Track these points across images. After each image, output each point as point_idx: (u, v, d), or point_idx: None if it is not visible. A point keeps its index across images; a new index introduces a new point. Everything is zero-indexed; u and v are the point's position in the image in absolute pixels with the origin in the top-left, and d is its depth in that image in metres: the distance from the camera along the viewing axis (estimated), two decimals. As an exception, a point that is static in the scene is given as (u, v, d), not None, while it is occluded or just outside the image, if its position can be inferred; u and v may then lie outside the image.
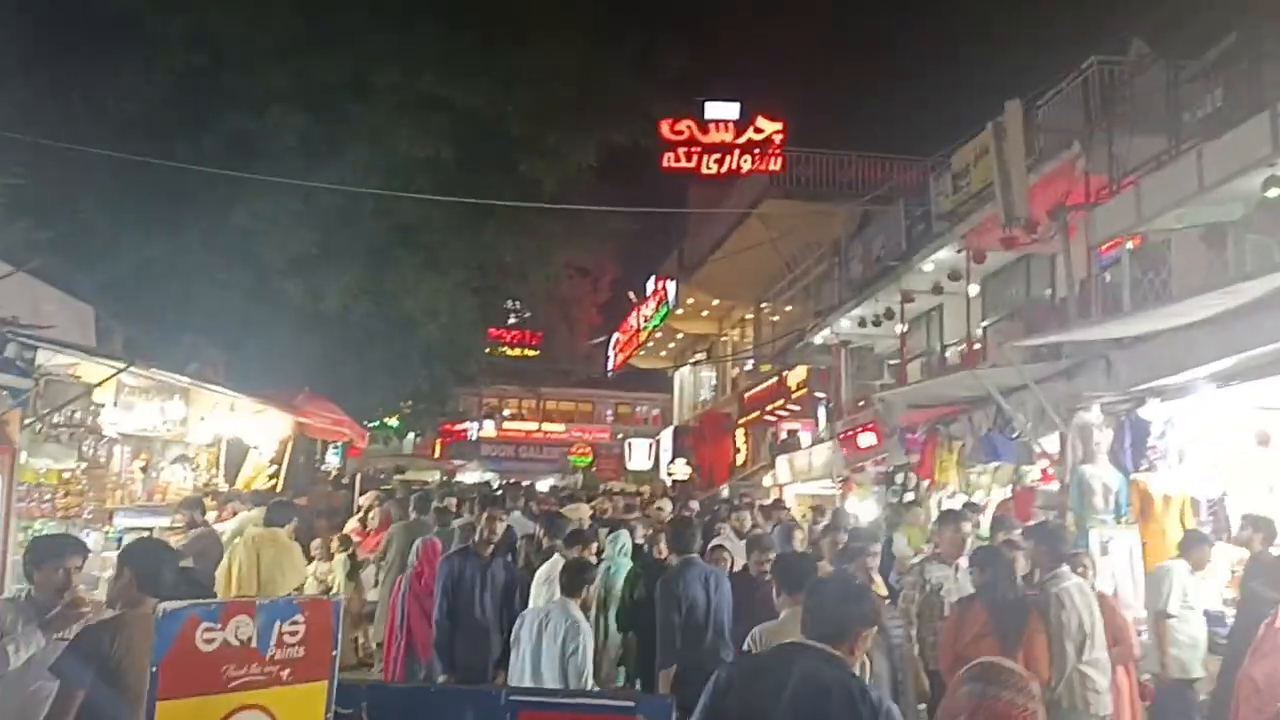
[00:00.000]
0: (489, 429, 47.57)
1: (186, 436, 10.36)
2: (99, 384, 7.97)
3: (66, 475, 8.30)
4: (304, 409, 11.56)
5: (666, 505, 10.18)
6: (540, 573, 7.17)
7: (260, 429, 11.45)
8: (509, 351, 39.78)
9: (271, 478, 11.78)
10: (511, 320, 41.46)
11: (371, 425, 26.53)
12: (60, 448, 8.13)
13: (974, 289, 15.26)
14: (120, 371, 7.99)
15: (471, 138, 16.25)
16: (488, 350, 32.02)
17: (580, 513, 9.02)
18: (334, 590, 9.59)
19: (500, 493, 16.63)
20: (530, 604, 6.78)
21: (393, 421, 35.05)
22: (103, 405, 8.49)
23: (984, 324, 16.22)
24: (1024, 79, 13.75)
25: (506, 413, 49.03)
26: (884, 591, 7.11)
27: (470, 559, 6.85)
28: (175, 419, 9.67)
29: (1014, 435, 9.54)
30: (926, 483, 11.51)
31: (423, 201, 16.49)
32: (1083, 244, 11.85)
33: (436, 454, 47.18)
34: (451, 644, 6.62)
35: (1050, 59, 14.14)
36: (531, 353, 42.39)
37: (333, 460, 35.77)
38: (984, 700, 2.69)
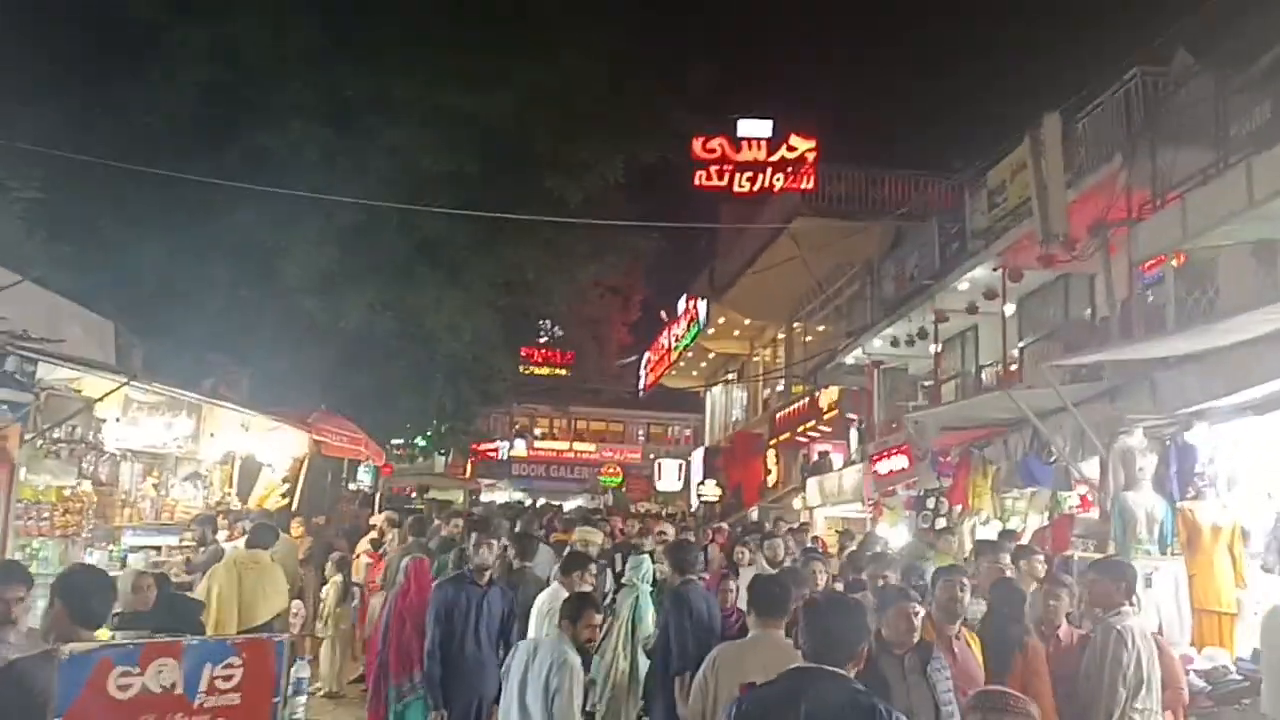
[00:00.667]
0: (520, 448, 47.34)
1: (197, 454, 10.12)
2: (100, 399, 7.74)
3: (66, 493, 8.05)
4: (319, 426, 11.29)
5: (669, 530, 9.75)
6: (539, 601, 6.70)
7: (274, 446, 11.20)
8: (538, 370, 39.51)
9: (284, 496, 11.51)
10: (543, 339, 41.25)
11: (398, 443, 26.41)
12: (60, 464, 7.91)
13: (1010, 309, 14.78)
14: (122, 386, 7.76)
15: (495, 152, 16.01)
16: (519, 369, 31.83)
17: (589, 536, 8.53)
18: (325, 614, 9.27)
19: (528, 513, 16.25)
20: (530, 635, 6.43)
21: (420, 441, 35.02)
22: (104, 421, 8.24)
23: (1020, 345, 15.73)
24: (1062, 93, 13.29)
25: (538, 432, 48.81)
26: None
27: (464, 586, 6.41)
28: (184, 435, 9.41)
29: (1051, 460, 9.07)
30: (959, 508, 11.03)
31: (445, 217, 16.26)
32: (1124, 262, 11.36)
33: (468, 473, 47.07)
34: (444, 678, 6.17)
35: (1089, 72, 13.74)
36: (562, 372, 42.13)
37: (365, 479, 35.74)
38: None
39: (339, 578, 9.87)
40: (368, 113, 15.24)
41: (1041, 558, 6.46)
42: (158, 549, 8.47)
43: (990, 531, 9.98)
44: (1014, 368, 15.36)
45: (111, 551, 8.47)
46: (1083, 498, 9.50)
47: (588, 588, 6.42)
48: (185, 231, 14.78)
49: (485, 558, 6.41)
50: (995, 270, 14.21)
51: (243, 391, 16.23)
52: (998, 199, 14.04)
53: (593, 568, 6.84)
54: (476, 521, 6.99)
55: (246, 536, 8.29)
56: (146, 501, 9.61)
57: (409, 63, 14.85)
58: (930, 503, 11.28)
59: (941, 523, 10.87)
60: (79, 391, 7.83)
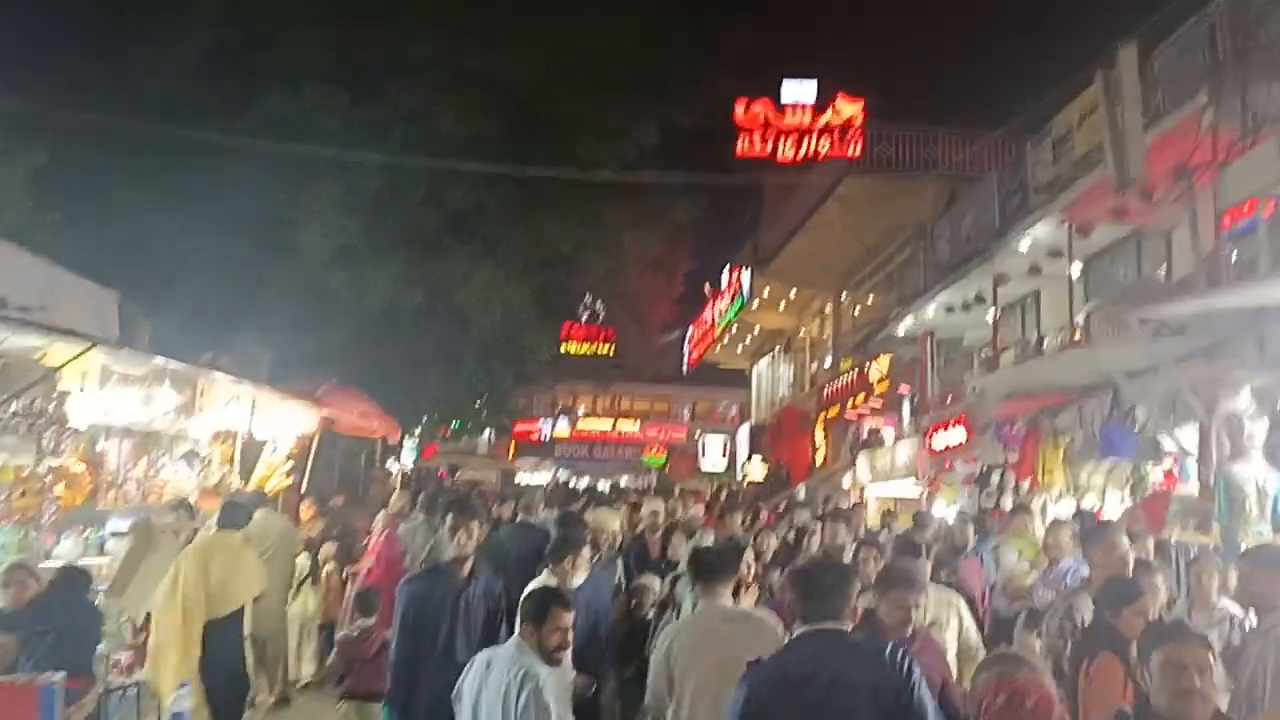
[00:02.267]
0: (562, 428, 46.69)
1: (188, 431, 9.38)
2: (60, 367, 7.00)
3: (25, 472, 7.35)
4: (327, 401, 10.54)
5: (658, 507, 8.70)
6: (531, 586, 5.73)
7: (276, 423, 10.42)
8: (578, 349, 38.69)
9: (289, 475, 10.77)
10: (584, 317, 40.46)
11: (437, 422, 25.76)
12: (16, 440, 7.17)
13: (1077, 269, 13.65)
14: (85, 351, 7.03)
15: (521, 118, 15.23)
16: (558, 348, 31.08)
17: (604, 522, 7.55)
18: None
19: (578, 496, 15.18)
20: None
21: (455, 423, 34.48)
22: (68, 393, 7.50)
23: (1087, 308, 14.58)
24: (1132, 27, 12.13)
25: (581, 411, 48.11)
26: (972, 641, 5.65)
27: (439, 581, 5.34)
28: (170, 410, 8.63)
29: (1135, 428, 8.06)
30: (1027, 483, 10.01)
31: (474, 188, 15.56)
32: (1210, 210, 10.26)
33: (511, 454, 46.60)
34: (411, 695, 5.07)
35: (1161, 3, 12.51)
36: (604, 349, 41.32)
37: (407, 460, 35.37)
38: (1003, 680, 2.82)
39: (304, 556, 9.04)
40: (385, 77, 14.51)
41: (1151, 541, 5.37)
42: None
43: (1064, 511, 8.96)
44: (1078, 337, 14.27)
45: (87, 537, 7.78)
46: (1167, 473, 8.48)
47: (580, 578, 5.54)
48: (199, 203, 14.21)
49: (463, 545, 5.29)
50: (1061, 225, 13.09)
51: (263, 370, 15.61)
52: (1063, 148, 12.93)
53: (586, 553, 5.71)
54: (454, 501, 5.83)
55: (216, 517, 7.52)
56: (133, 483, 8.92)
57: (426, 22, 14.07)
58: (994, 478, 10.25)
59: (1007, 501, 9.84)
60: (40, 360, 7.08)
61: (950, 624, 5.44)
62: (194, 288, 14.15)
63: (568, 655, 4.48)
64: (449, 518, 5.38)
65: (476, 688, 4.23)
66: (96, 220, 13.23)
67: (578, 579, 5.56)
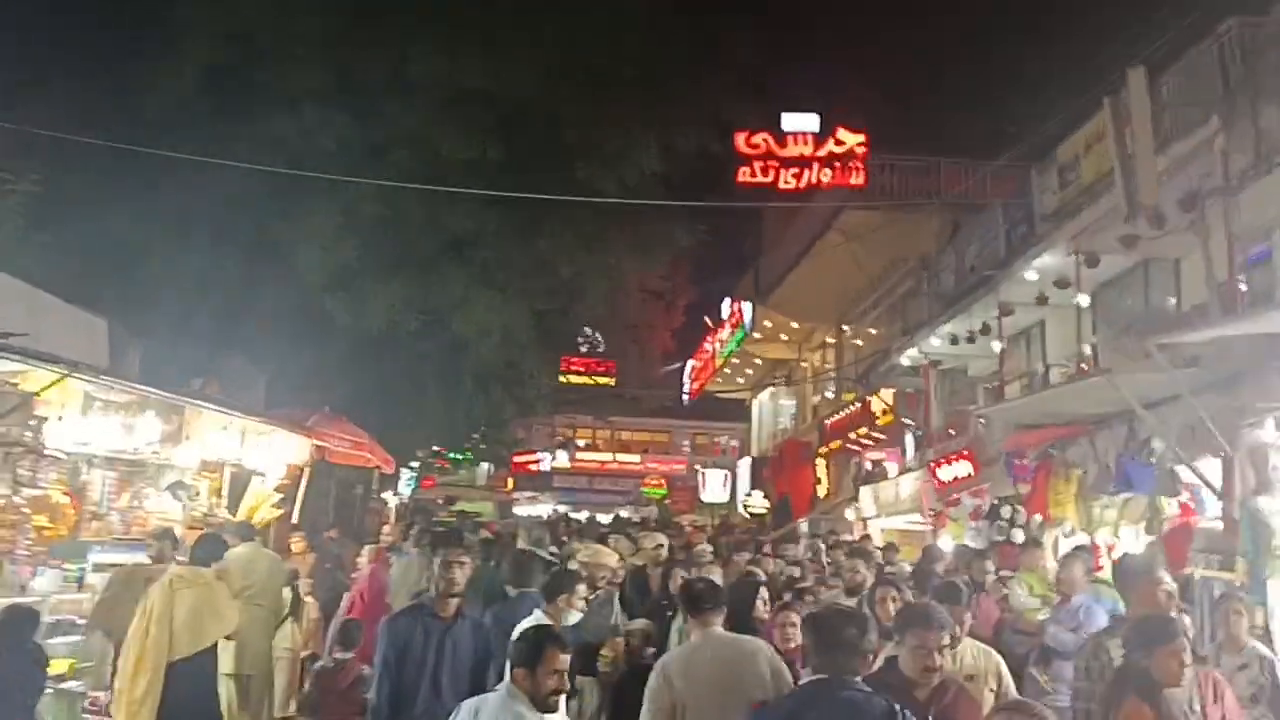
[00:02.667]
0: (562, 460, 46.34)
1: (174, 460, 9.08)
2: (38, 393, 6.74)
3: (0, 502, 7.05)
4: (320, 431, 10.25)
5: (661, 540, 8.44)
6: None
7: (266, 452, 10.13)
8: (576, 379, 38.39)
9: (278, 507, 10.45)
10: (583, 348, 40.20)
11: (436, 454, 25.42)
12: (-9, 470, 6.89)
13: (1084, 299, 13.41)
14: (61, 379, 6.76)
15: (521, 139, 15.05)
16: (558, 377, 30.82)
17: (601, 557, 7.20)
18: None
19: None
20: None
21: (455, 455, 34.11)
22: (46, 419, 7.22)
23: (1094, 340, 14.32)
24: (1140, 53, 11.96)
25: (580, 443, 47.77)
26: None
27: (421, 619, 4.97)
28: (155, 439, 8.36)
29: (1153, 460, 7.78)
30: (1039, 518, 9.71)
31: (473, 211, 15.35)
32: (1222, 238, 10.04)
33: (510, 486, 46.22)
34: None
35: (1169, 27, 12.33)
36: (605, 381, 41.09)
37: (405, 491, 34.95)
38: None
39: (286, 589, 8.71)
40: (384, 97, 14.35)
41: (1168, 580, 5.04)
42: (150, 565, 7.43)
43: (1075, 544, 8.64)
44: (1085, 366, 14.00)
45: (67, 572, 7.47)
46: (1184, 506, 8.18)
47: (576, 616, 5.27)
48: (195, 224, 14.02)
49: (454, 580, 4.95)
50: (1068, 256, 12.87)
51: (258, 395, 15.35)
52: (1069, 176, 12.75)
53: (581, 589, 5.50)
54: (440, 534, 5.48)
55: (190, 552, 7.18)
56: (116, 514, 8.61)
57: (425, 41, 13.92)
58: (1005, 512, 9.96)
59: (1018, 535, 9.53)
60: (17, 386, 6.81)
61: (989, 680, 4.96)
62: (187, 310, 13.92)
63: (562, 701, 4.15)
64: (438, 553, 5.12)
65: None
66: (89, 242, 13.02)
67: (572, 617, 5.30)
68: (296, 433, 10.03)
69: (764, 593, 5.88)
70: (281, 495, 10.46)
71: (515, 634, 4.27)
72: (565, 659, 4.04)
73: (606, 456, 47.48)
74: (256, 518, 9.88)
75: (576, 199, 14.26)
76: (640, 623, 6.39)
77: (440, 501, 26.82)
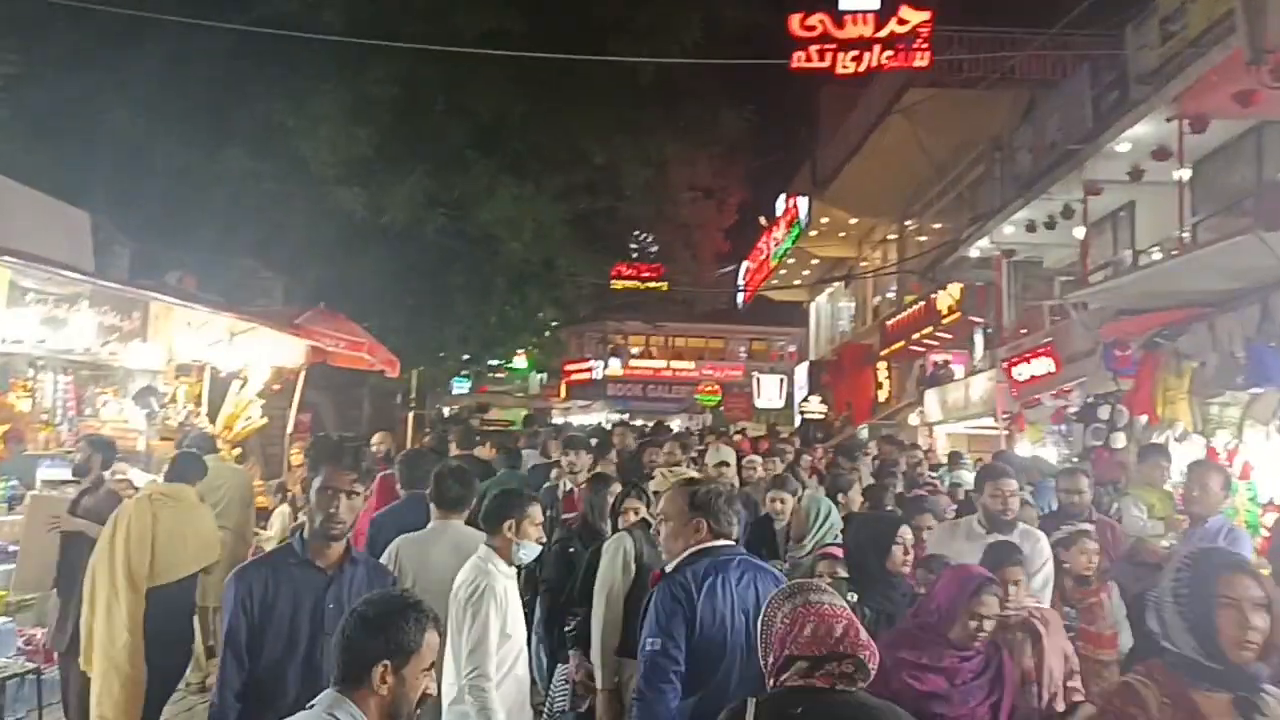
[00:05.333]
0: (615, 367, 45.35)
1: (129, 361, 8.01)
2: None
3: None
4: (310, 329, 9.12)
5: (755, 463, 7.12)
6: (459, 580, 3.99)
7: (248, 353, 9.01)
8: (627, 284, 37.03)
9: (262, 415, 9.39)
10: (634, 254, 38.79)
11: (499, 364, 24.43)
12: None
13: (1185, 173, 11.75)
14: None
15: (546, 11, 13.60)
16: (608, 284, 29.61)
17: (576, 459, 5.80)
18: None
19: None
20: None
21: (520, 363, 33.17)
22: (-55, 312, 6.16)
23: (1194, 221, 12.67)
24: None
25: (634, 350, 46.73)
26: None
27: (287, 571, 3.48)
28: (96, 336, 7.24)
29: (1292, 347, 6.37)
30: (1144, 419, 8.31)
31: (496, 94, 14.01)
32: (1367, 86, 8.41)
33: (563, 395, 45.55)
34: None
35: None
36: (656, 285, 39.75)
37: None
38: (806, 607, 2.68)
39: (285, 508, 7.76)
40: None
41: None
42: (78, 482, 6.44)
43: (1197, 452, 7.27)
44: (1174, 253, 12.40)
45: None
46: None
47: (532, 549, 4.12)
48: (193, 114, 12.86)
49: (335, 516, 3.46)
50: (1169, 121, 11.23)
51: (275, 300, 14.38)
52: (1172, 27, 11.00)
53: (534, 511, 4.14)
54: (322, 448, 3.98)
55: (166, 469, 6.20)
56: (65, 424, 7.64)
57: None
58: (1103, 412, 8.55)
59: (1119, 440, 8.13)
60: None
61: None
62: (184, 206, 12.86)
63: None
64: (319, 474, 3.57)
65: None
66: (74, 130, 11.95)
67: (526, 551, 4.15)
68: (284, 331, 8.93)
69: (906, 535, 4.42)
70: (265, 402, 9.41)
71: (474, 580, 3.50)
72: (537, 511, 4.14)
73: (660, 364, 46.39)
74: (237, 428, 8.88)
75: (604, 59, 12.83)
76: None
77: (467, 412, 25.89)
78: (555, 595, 5.62)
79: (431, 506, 4.77)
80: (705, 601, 3.51)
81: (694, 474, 5.88)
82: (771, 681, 2.71)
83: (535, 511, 4.18)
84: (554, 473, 7.41)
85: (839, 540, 5.27)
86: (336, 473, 3.46)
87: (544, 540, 4.29)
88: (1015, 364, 12.84)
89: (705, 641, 3.49)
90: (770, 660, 2.71)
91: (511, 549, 4.05)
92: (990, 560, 4.06)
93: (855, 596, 4.16)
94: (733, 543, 3.76)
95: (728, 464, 6.99)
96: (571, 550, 5.64)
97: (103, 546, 5.55)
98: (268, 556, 3.64)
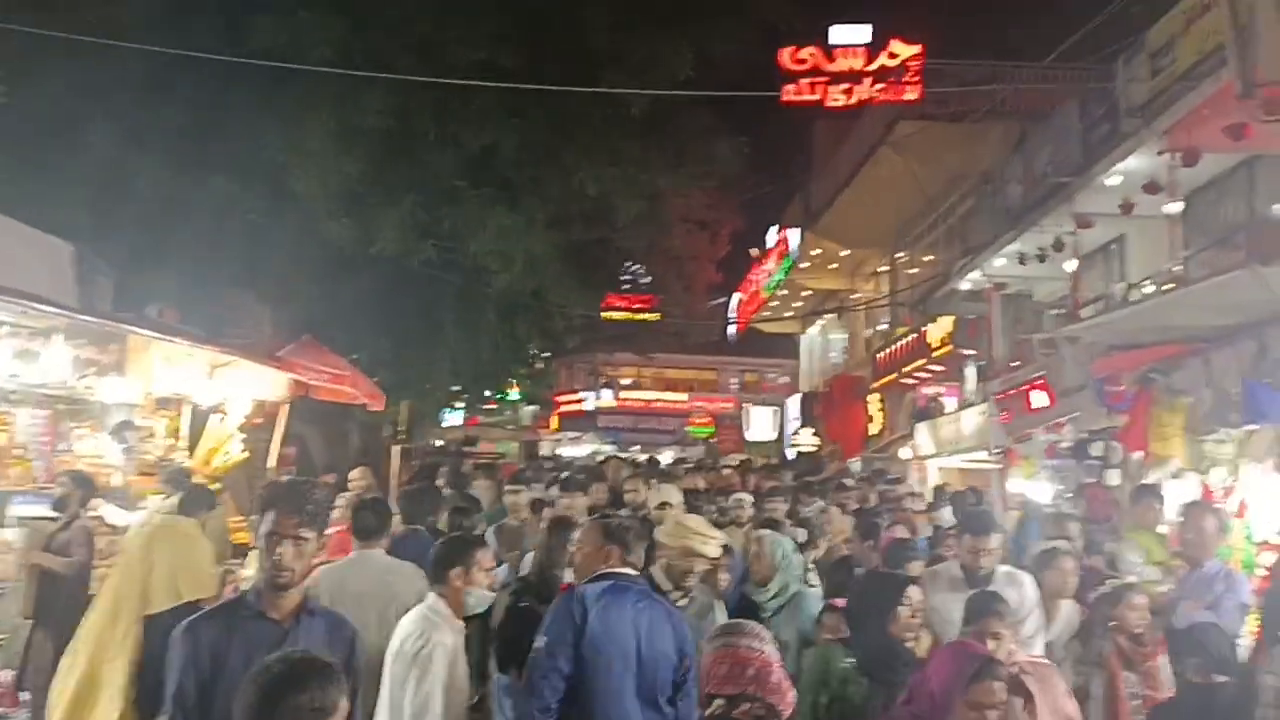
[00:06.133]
0: (607, 399, 45.25)
1: (105, 396, 7.86)
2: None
3: None
4: (293, 362, 8.98)
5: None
6: (398, 635, 3.84)
7: (228, 387, 8.84)
8: (618, 316, 37.00)
9: (244, 449, 9.23)
10: (626, 286, 38.77)
11: (497, 396, 24.19)
12: None
13: (1176, 206, 11.74)
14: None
15: (539, 44, 13.60)
16: (599, 314, 29.55)
17: (691, 542, 4.79)
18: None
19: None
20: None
21: (515, 394, 33.00)
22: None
23: (1185, 255, 12.63)
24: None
25: (625, 382, 46.64)
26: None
27: (239, 625, 3.23)
28: (82, 371, 7.11)
29: (1289, 383, 6.29)
30: (1139, 455, 8.22)
31: (489, 125, 13.97)
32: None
33: (554, 426, 45.42)
34: None
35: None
36: (648, 316, 39.75)
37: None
38: (725, 649, 2.93)
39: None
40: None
41: None
42: (55, 519, 6.31)
43: (1191, 491, 7.17)
44: (1170, 286, 12.36)
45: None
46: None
47: (485, 598, 4.00)
48: (181, 143, 12.80)
49: (281, 564, 3.17)
50: (1159, 155, 11.24)
51: (263, 332, 14.24)
52: (1162, 61, 11.03)
53: (486, 556, 4.05)
54: (274, 491, 3.62)
55: (179, 501, 6.20)
56: (38, 460, 7.49)
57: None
58: (1096, 448, 8.44)
59: (1113, 477, 8.02)
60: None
61: None
62: (172, 237, 12.75)
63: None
64: (265, 516, 3.28)
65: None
66: (59, 160, 11.86)
67: (477, 599, 4.01)
68: (265, 364, 8.80)
69: (914, 595, 4.21)
70: (245, 436, 9.26)
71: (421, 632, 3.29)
72: (489, 558, 4.10)
73: (652, 395, 46.30)
74: (216, 462, 8.73)
75: (597, 90, 12.83)
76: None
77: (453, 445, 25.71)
78: (510, 660, 5.01)
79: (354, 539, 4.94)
80: (599, 616, 3.82)
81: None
82: (702, 713, 3.00)
83: (485, 556, 4.08)
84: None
85: (809, 581, 5.19)
86: (281, 517, 3.24)
87: (495, 586, 4.14)
88: (1007, 397, 12.76)
89: (593, 653, 3.80)
90: (701, 694, 3.01)
91: (461, 598, 3.92)
92: (970, 612, 3.88)
93: (853, 661, 3.99)
94: (636, 573, 4.11)
95: (670, 504, 6.77)
96: (524, 605, 5.10)
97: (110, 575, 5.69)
98: (220, 609, 3.41)
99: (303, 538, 3.26)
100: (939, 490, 11.66)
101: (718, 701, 2.86)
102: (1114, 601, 4.62)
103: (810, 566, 6.08)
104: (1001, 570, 4.68)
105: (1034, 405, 11.39)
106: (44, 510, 6.49)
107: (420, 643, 3.74)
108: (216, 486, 8.38)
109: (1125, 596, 4.61)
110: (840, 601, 4.70)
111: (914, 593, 4.23)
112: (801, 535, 6.75)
